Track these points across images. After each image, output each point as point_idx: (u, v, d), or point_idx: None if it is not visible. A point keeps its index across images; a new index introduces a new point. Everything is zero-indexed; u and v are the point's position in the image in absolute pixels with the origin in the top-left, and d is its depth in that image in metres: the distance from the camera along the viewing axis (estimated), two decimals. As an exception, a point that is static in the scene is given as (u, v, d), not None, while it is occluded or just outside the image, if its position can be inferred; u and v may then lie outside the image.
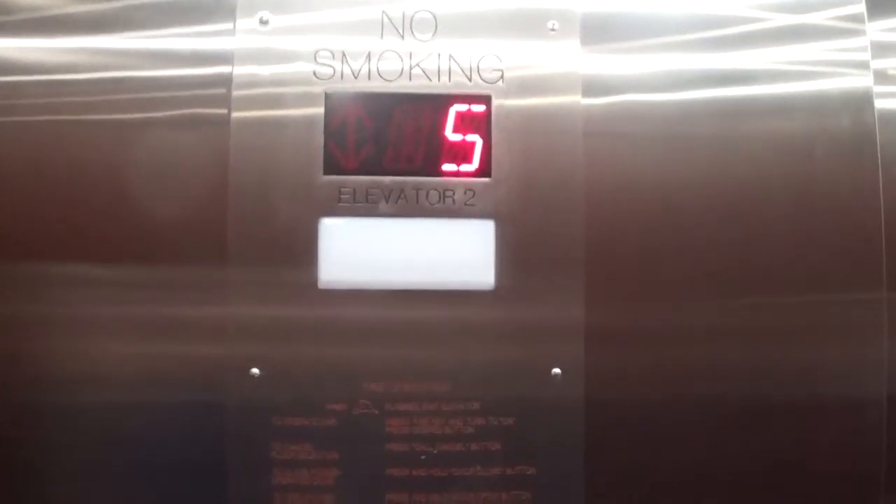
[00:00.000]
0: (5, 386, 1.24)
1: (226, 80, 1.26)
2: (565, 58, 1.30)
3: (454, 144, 1.26)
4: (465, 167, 1.26)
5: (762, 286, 1.30)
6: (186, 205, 1.25)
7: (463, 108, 1.26)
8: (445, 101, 1.26)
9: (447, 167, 1.26)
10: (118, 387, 1.25)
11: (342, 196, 1.25)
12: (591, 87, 1.30)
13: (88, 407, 1.25)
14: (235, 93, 1.26)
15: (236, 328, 1.24)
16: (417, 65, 1.28)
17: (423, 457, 1.25)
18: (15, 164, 1.25)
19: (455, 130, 1.26)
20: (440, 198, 1.26)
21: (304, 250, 1.24)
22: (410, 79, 1.27)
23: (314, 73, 1.27)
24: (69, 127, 1.25)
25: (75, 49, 1.27)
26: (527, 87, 1.28)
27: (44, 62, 1.27)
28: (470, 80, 1.28)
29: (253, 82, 1.26)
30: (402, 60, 1.28)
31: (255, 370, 1.24)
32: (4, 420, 1.24)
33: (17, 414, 1.24)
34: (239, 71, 1.26)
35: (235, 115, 1.25)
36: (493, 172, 1.26)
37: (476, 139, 1.26)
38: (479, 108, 1.26)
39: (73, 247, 1.24)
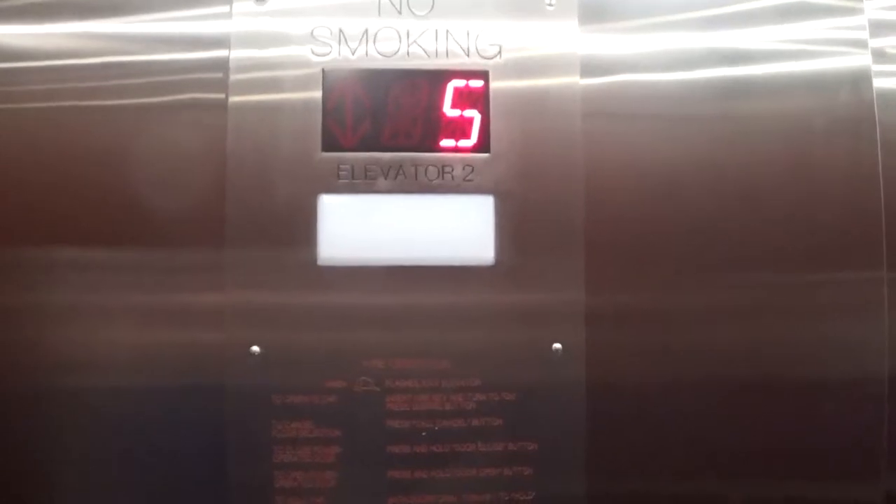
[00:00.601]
0: (3, 373, 1.24)
1: (223, 65, 1.26)
2: (563, 38, 1.30)
3: (452, 120, 1.26)
4: (463, 142, 1.26)
5: (762, 266, 1.30)
6: (185, 187, 1.25)
7: (461, 83, 1.26)
8: (443, 76, 1.26)
9: (445, 143, 1.26)
10: (119, 371, 1.24)
11: (341, 173, 1.25)
12: (590, 67, 1.30)
13: (88, 392, 1.24)
14: (233, 77, 1.26)
15: (236, 306, 1.23)
16: (415, 42, 1.28)
17: (424, 433, 1.25)
18: (11, 151, 1.24)
19: (453, 106, 1.26)
20: (439, 173, 1.26)
21: (304, 228, 1.24)
22: (408, 56, 1.27)
23: (312, 52, 1.26)
24: (65, 113, 1.25)
25: (71, 34, 1.27)
26: (525, 65, 1.28)
27: (39, 48, 1.26)
28: (468, 56, 1.28)
29: (250, 65, 1.26)
30: (399, 38, 1.28)
31: (255, 348, 1.23)
32: (3, 406, 1.24)
33: (14, 400, 1.24)
34: (236, 55, 1.26)
35: (233, 99, 1.25)
36: (492, 148, 1.26)
37: (474, 114, 1.26)
38: (476, 83, 1.26)
39: (71, 232, 1.24)
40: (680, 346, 1.29)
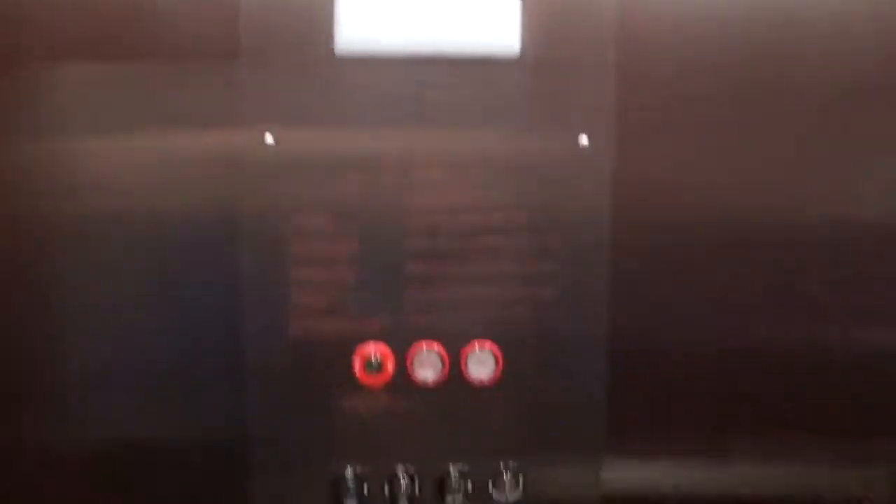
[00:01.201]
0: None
1: None
2: None
3: None
4: (490, -78, 1.19)
5: (798, 121, 1.25)
6: None
7: None
8: None
9: (471, -78, 1.19)
10: (135, 177, 1.21)
11: None
12: None
13: (94, 213, 1.22)
14: None
15: (251, 96, 1.19)
16: None
17: (442, 230, 1.23)
18: None
19: None
20: None
21: (321, 16, 1.18)
22: None
23: None
24: None
25: None
26: None
27: None
28: None
29: None
30: None
31: (269, 139, 1.20)
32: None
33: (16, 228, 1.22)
34: None
35: None
36: None
37: None
38: None
39: (86, 49, 1.19)
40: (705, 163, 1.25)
